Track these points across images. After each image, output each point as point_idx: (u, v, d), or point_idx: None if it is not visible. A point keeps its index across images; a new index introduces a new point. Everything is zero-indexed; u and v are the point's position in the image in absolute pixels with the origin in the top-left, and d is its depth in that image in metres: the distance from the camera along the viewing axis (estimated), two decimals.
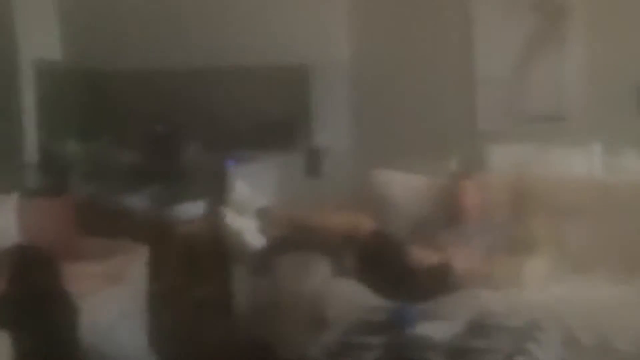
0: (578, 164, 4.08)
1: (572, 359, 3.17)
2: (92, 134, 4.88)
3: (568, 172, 4.01)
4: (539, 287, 3.49)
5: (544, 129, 4.43)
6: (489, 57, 4.55)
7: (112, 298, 3.62)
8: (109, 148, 4.82)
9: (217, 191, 4.35)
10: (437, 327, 2.98)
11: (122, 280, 3.70)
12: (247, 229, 4.09)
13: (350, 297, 3.57)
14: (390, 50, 4.71)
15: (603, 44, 4.33)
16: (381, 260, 3.66)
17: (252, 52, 4.75)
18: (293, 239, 3.94)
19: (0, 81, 4.65)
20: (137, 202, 4.44)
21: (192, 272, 4.18)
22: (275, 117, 4.83)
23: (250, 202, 4.20)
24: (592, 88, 4.39)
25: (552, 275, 3.58)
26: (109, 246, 3.84)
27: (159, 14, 4.98)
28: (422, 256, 3.67)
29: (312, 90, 4.80)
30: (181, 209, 4.39)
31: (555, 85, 4.44)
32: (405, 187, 4.12)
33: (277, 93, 4.81)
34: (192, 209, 4.40)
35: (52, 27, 5.03)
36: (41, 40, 4.93)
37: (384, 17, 4.74)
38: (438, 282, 3.52)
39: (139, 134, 4.82)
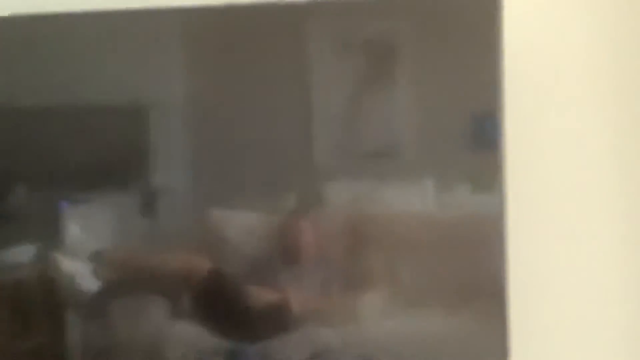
0: (411, 199, 4.17)
1: None
2: None
3: (402, 207, 4.09)
4: (374, 322, 3.54)
5: (378, 165, 4.51)
6: (324, 94, 4.61)
7: None
8: None
9: (48, 234, 4.21)
10: None
11: None
12: (80, 272, 3.98)
13: (188, 339, 3.53)
14: (226, 89, 4.70)
15: (433, 79, 4.44)
16: (218, 301, 3.63)
17: (86, 91, 4.64)
18: (128, 281, 3.86)
19: None
20: None
21: (21, 320, 4.01)
22: (109, 157, 4.71)
23: (83, 245, 4.09)
24: (424, 123, 4.48)
25: (386, 310, 3.64)
26: None
27: None
28: (259, 295, 3.66)
29: (147, 130, 4.72)
30: (8, 253, 4.22)
31: (388, 122, 4.53)
32: (241, 225, 4.11)
33: (112, 133, 4.70)
34: (20, 254, 4.23)
35: None
36: None
37: (219, 57, 4.72)
38: (275, 322, 3.52)
39: None
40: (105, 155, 4.81)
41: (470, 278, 3.74)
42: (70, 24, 4.77)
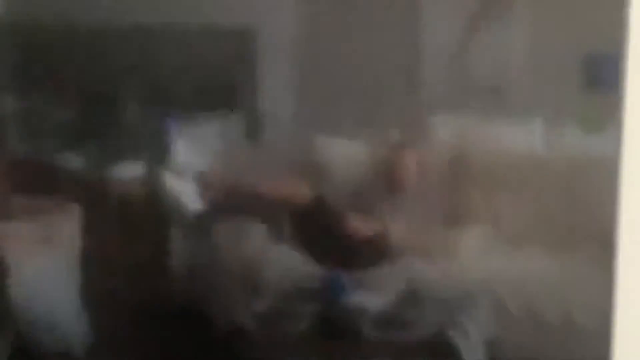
0: (518, 137, 4.10)
1: (503, 331, 3.20)
2: (28, 90, 4.77)
3: (508, 145, 4.02)
4: (473, 259, 3.51)
5: (485, 101, 4.43)
6: (433, 28, 4.53)
7: (43, 257, 3.56)
8: (45, 105, 4.72)
9: (155, 152, 4.29)
10: (370, 296, 2.99)
11: (54, 239, 3.64)
12: (185, 192, 4.05)
13: (285, 263, 3.57)
14: (336, 15, 4.66)
15: (546, 16, 4.32)
16: (318, 228, 3.66)
17: (194, 12, 4.67)
18: (230, 204, 3.91)
19: None
20: (73, 161, 4.37)
21: (127, 233, 4.12)
22: (217, 79, 4.76)
23: (189, 165, 4.15)
24: (535, 61, 4.38)
25: (486, 248, 3.61)
26: (42, 205, 3.78)
27: None
28: (359, 225, 3.67)
29: (255, 53, 4.74)
30: (118, 168, 4.32)
31: (498, 58, 4.44)
32: (345, 155, 4.11)
33: (220, 54, 4.74)
34: (129, 170, 4.33)
35: None
36: None
37: None
38: (373, 252, 3.52)
39: (76, 91, 4.73)
40: (214, 77, 4.86)
41: (578, 221, 3.66)
42: None
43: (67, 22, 4.80)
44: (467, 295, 3.07)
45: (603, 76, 4.06)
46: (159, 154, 4.24)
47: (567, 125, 4.11)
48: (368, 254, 3.49)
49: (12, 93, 4.77)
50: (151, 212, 4.14)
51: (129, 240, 4.14)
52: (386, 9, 4.59)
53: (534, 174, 3.81)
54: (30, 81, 4.77)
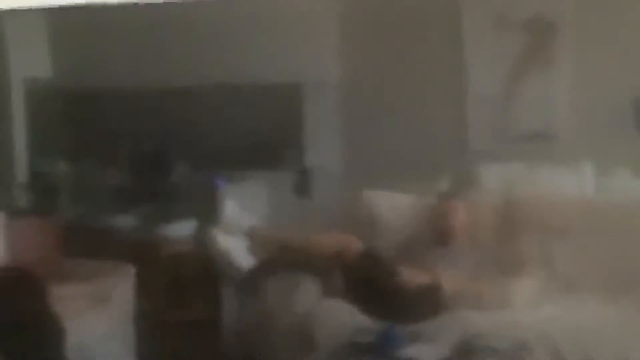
0: (568, 183, 4.06)
1: None
2: (80, 153, 4.86)
3: (558, 191, 3.99)
4: (527, 308, 3.47)
5: (534, 147, 4.41)
6: (479, 75, 4.54)
7: (98, 319, 3.59)
8: (97, 168, 4.80)
9: (206, 211, 4.33)
10: (424, 349, 2.96)
11: (108, 301, 3.67)
12: (236, 249, 4.07)
13: (338, 318, 3.55)
14: (380, 70, 4.70)
15: (594, 59, 4.30)
16: (370, 281, 3.64)
17: (243, 71, 4.74)
18: (282, 259, 3.92)
19: None
20: (125, 222, 4.42)
21: (180, 293, 4.15)
22: (265, 136, 4.81)
23: (239, 222, 4.18)
24: (583, 105, 4.36)
25: (540, 296, 3.56)
26: (95, 267, 3.82)
27: (149, 33, 4.97)
28: (411, 277, 3.64)
29: (302, 110, 4.79)
30: (169, 228, 4.37)
31: (545, 103, 4.43)
32: (394, 207, 4.10)
33: (268, 112, 4.79)
34: (180, 229, 4.37)
35: (42, 46, 5.02)
36: (31, 59, 4.92)
37: (375, 37, 4.72)
38: (426, 303, 3.49)
39: (127, 153, 4.80)
40: (261, 134, 4.90)
41: (630, 266, 3.61)
42: (229, 4, 4.89)
43: (114, 85, 4.90)
44: (522, 345, 3.02)
45: None
46: (209, 212, 4.28)
47: (618, 169, 4.07)
48: (421, 306, 3.46)
49: (64, 157, 4.86)
50: (203, 270, 4.16)
51: (182, 299, 4.16)
52: (431, 61, 4.61)
53: (585, 219, 3.77)
54: (81, 145, 4.86)
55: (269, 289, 3.81)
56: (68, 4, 4.57)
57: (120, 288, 3.76)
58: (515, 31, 4.44)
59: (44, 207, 4.41)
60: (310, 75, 4.72)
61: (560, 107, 4.42)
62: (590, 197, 3.99)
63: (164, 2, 4.65)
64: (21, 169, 4.69)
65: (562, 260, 3.72)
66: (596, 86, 4.29)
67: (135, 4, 4.56)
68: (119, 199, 4.58)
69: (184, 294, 4.15)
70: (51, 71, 5.01)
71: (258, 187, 4.59)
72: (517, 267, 3.65)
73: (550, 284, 3.63)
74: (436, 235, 3.87)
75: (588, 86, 4.32)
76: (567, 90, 4.39)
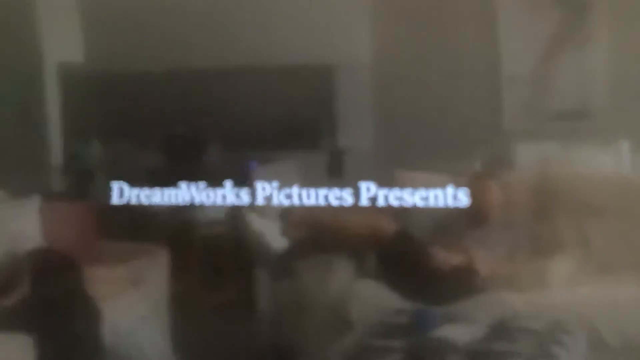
0: (604, 162, 4.01)
1: None
2: (114, 136, 4.89)
3: (594, 170, 3.94)
4: (564, 288, 3.43)
5: (569, 126, 4.37)
6: (513, 54, 4.50)
7: (132, 301, 3.61)
8: (131, 150, 4.82)
9: (238, 192, 4.32)
10: (459, 330, 2.93)
11: (142, 283, 3.69)
12: (269, 231, 4.06)
13: (372, 299, 3.54)
14: (413, 49, 4.67)
15: (629, 37, 4.25)
16: (404, 262, 3.62)
17: (275, 52, 4.74)
18: (315, 240, 3.90)
19: (24, 84, 4.67)
20: (159, 205, 4.43)
21: (214, 275, 4.16)
22: (298, 118, 4.81)
23: (272, 204, 4.17)
24: (619, 83, 4.31)
25: (577, 276, 3.52)
26: (130, 249, 3.84)
27: (182, 15, 4.98)
28: (445, 258, 3.61)
29: (335, 91, 4.78)
30: (202, 211, 4.37)
31: (581, 82, 4.38)
32: (428, 186, 4.07)
33: (300, 93, 4.79)
34: (213, 211, 4.38)
35: (75, 31, 5.04)
36: (65, 44, 4.95)
37: (407, 16, 4.70)
38: (461, 284, 3.47)
39: (161, 135, 4.82)
40: (294, 115, 4.89)
41: None
42: None
43: (146, 68, 4.91)
44: (558, 325, 2.99)
45: None
46: (242, 194, 4.28)
47: None
48: (455, 286, 3.43)
49: (98, 140, 4.89)
50: (236, 252, 4.16)
51: (215, 281, 4.17)
52: (464, 39, 4.57)
53: (622, 198, 3.71)
54: (115, 128, 4.89)
55: (302, 271, 3.80)
56: None
57: (154, 270, 3.78)
58: (549, 7, 4.39)
59: (78, 190, 4.44)
60: (343, 55, 4.71)
61: (596, 85, 4.37)
62: (627, 175, 3.94)
63: None
64: (56, 153, 4.73)
65: (598, 240, 3.68)
66: (632, 62, 4.23)
67: None
68: (153, 182, 4.58)
69: (217, 277, 4.16)
70: (84, 55, 5.04)
71: (291, 168, 4.58)
72: (553, 248, 3.61)
73: (586, 264, 3.59)
74: (471, 216, 3.83)
75: (624, 63, 4.26)
76: (602, 68, 4.34)
